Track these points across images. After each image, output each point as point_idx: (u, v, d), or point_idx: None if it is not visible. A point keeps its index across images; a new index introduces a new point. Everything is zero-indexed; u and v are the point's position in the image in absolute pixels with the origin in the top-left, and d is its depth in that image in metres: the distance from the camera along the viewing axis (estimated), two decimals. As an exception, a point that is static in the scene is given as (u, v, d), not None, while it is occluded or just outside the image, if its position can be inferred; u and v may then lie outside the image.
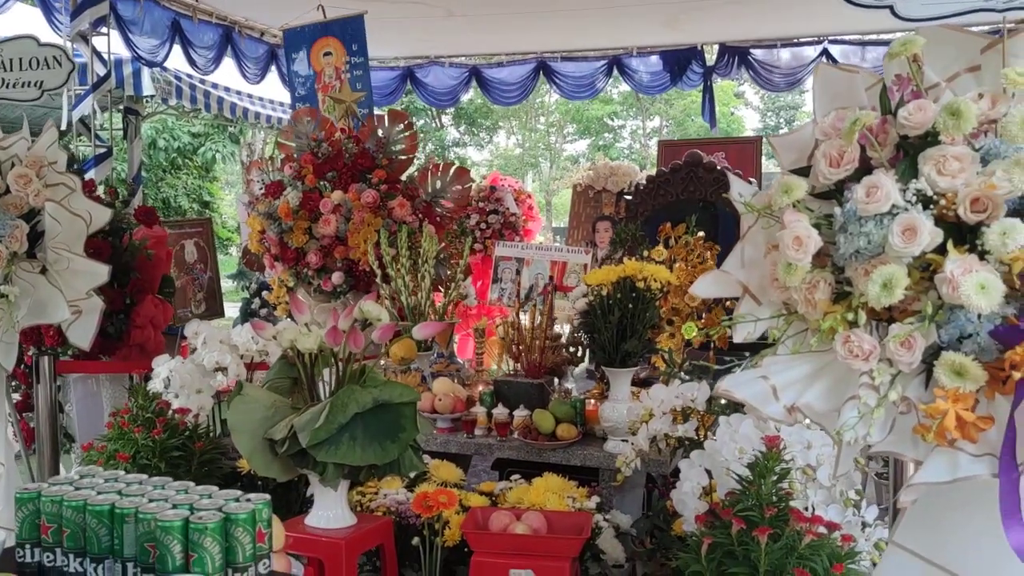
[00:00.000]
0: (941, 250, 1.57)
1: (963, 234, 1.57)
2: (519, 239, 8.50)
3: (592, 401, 3.68)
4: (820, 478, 2.67)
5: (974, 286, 1.47)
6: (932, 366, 1.55)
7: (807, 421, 1.72)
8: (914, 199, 1.59)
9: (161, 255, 4.05)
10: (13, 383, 3.89)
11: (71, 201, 2.74)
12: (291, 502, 3.42)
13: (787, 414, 1.68)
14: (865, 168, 1.70)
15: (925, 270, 1.60)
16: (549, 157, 25.75)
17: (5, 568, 1.82)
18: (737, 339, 1.81)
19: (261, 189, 5.21)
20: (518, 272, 5.88)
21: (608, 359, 3.35)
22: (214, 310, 6.95)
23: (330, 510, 2.96)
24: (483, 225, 8.50)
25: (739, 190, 1.84)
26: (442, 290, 4.47)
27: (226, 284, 8.17)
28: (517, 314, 3.98)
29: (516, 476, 3.36)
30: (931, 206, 1.59)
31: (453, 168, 5.21)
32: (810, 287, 1.68)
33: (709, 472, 2.80)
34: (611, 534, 3.18)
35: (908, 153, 1.68)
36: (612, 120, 24.71)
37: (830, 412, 1.66)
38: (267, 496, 1.85)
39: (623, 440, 3.27)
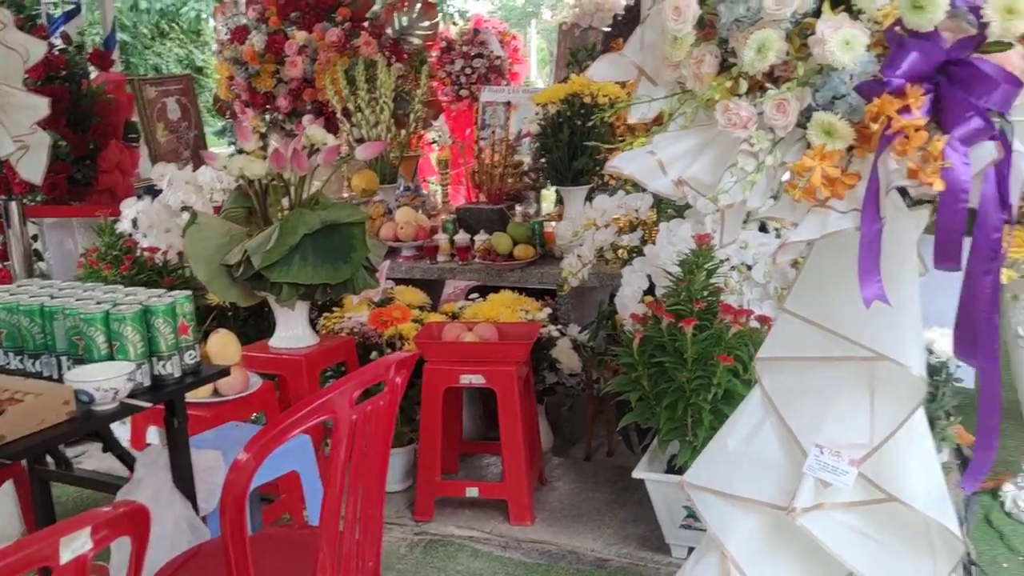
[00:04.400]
0: (819, 14, 1.58)
1: (840, -5, 1.58)
2: (506, 83, 8.37)
3: (553, 223, 3.74)
4: (755, 276, 2.75)
5: (839, 42, 1.48)
6: (810, 130, 1.58)
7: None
8: (794, -37, 1.58)
9: (121, 99, 4.06)
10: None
11: (5, 35, 2.74)
12: (262, 331, 3.55)
13: (674, 187, 1.73)
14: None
15: (806, 36, 1.61)
16: (553, 3, 24.86)
17: (-46, 370, 1.95)
18: (632, 120, 1.84)
19: (227, 35, 5.16)
20: (506, 117, 5.82)
21: (560, 178, 3.39)
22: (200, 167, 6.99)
23: (291, 330, 3.09)
24: (468, 70, 8.35)
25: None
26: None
27: (215, 144, 8.15)
28: (476, 143, 3.99)
29: (475, 295, 3.47)
30: (812, -30, 1.58)
31: (419, 3, 5.11)
32: (697, 61, 1.70)
33: (650, 277, 2.89)
34: (567, 345, 3.31)
35: (794, -82, 1.65)
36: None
37: (716, 183, 1.70)
38: (188, 292, 1.94)
39: (577, 256, 3.34)
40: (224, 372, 2.02)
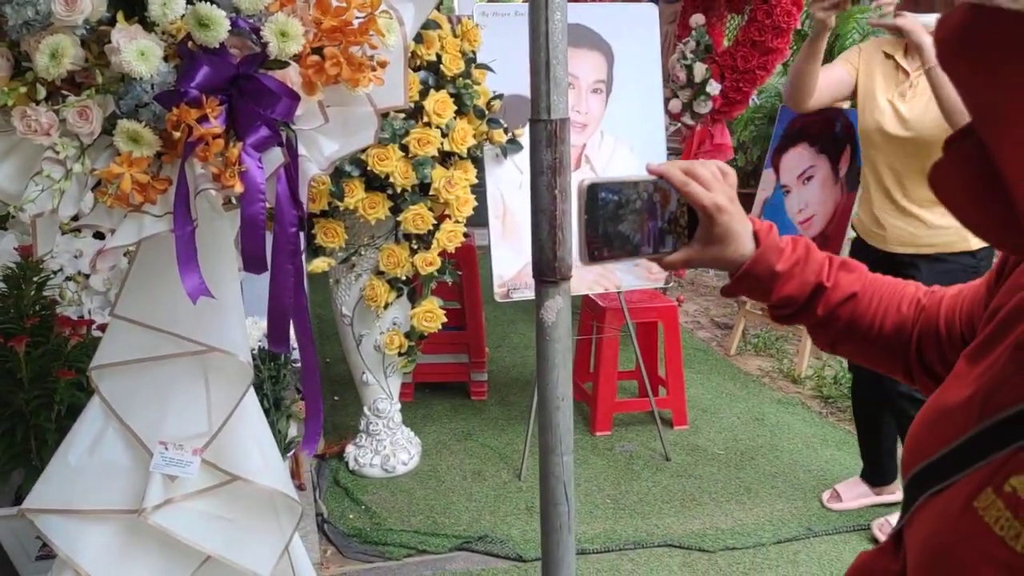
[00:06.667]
0: (115, 23, 1.61)
1: (134, 7, 1.62)
2: None
3: None
4: (94, 284, 2.68)
5: (135, 53, 1.53)
6: (119, 137, 1.61)
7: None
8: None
9: None
10: None
11: None
12: None
13: (-30, 198, 1.62)
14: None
15: (104, 44, 1.63)
16: None
17: None
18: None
19: None
20: None
21: None
22: None
23: None
24: None
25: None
26: None
27: None
28: None
29: None
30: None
31: None
32: (-14, 64, 1.60)
33: (-28, 296, 2.62)
34: None
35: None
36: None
37: (22, 192, 1.63)
38: None
39: None
40: None
